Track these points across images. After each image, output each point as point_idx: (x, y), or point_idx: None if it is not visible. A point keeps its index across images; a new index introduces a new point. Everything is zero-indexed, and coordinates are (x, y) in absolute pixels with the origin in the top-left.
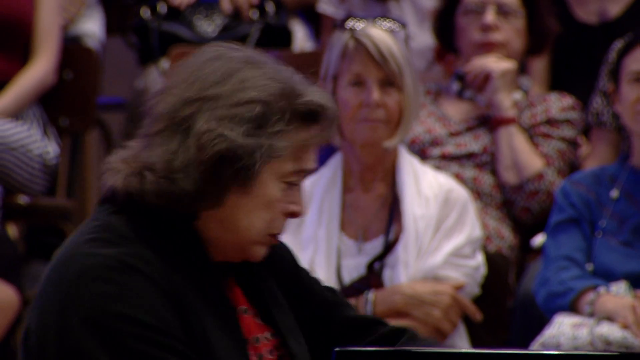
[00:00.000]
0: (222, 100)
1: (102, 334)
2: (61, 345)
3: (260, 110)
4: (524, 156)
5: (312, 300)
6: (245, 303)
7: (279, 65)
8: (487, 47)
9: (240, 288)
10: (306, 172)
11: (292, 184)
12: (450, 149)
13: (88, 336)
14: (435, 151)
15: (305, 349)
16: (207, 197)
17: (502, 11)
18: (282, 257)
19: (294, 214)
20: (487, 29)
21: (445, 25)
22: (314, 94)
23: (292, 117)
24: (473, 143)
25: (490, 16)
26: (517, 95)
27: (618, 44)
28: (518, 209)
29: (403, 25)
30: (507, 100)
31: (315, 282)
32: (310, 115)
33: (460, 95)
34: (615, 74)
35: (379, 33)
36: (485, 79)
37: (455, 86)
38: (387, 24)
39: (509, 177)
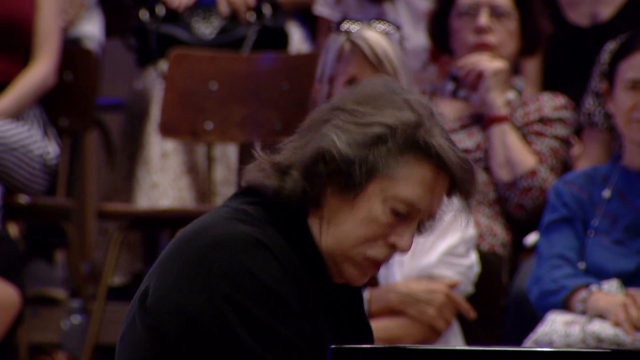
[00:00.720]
0: (354, 116)
1: (236, 301)
2: (199, 306)
3: (380, 132)
4: (517, 153)
5: None
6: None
7: (425, 102)
8: (480, 49)
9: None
10: (417, 209)
11: (398, 213)
12: None
13: (224, 302)
14: None
15: None
16: (307, 195)
17: (496, 13)
18: (361, 299)
19: (394, 246)
20: (480, 31)
21: (439, 27)
22: (438, 136)
23: (410, 146)
24: (467, 140)
25: (483, 18)
26: (511, 95)
27: (610, 45)
28: (512, 205)
29: (398, 27)
30: (499, 99)
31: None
32: (428, 153)
33: (454, 95)
34: (609, 75)
35: (374, 35)
36: (478, 77)
37: (450, 86)
38: (383, 26)
39: (503, 174)
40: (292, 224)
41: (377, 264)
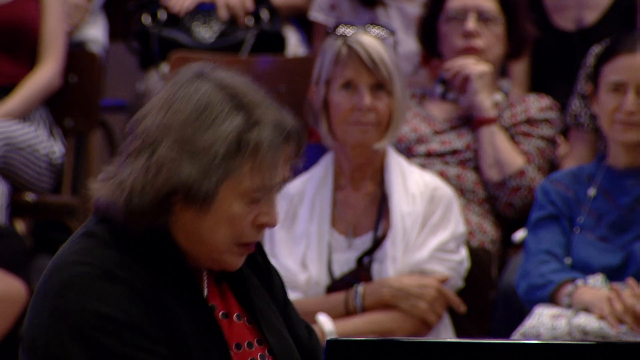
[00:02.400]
0: (188, 132)
1: (86, 339)
2: (49, 352)
3: (221, 149)
4: (506, 154)
5: (290, 333)
6: (238, 309)
7: (247, 87)
8: (468, 52)
9: (233, 294)
10: (271, 187)
11: (256, 200)
12: (435, 146)
13: (74, 343)
14: (421, 148)
15: (294, 350)
16: (163, 217)
17: (483, 18)
18: (275, 283)
19: (264, 225)
20: (468, 35)
21: (428, 31)
22: (268, 130)
23: (246, 145)
24: (457, 141)
25: (471, 23)
26: (498, 97)
27: (595, 49)
28: (502, 204)
29: (392, 32)
30: (487, 101)
31: (297, 319)
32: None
33: (443, 97)
34: (594, 78)
35: (370, 40)
36: (465, 80)
37: (439, 89)
38: (378, 31)
39: (492, 174)
40: (150, 240)
41: (251, 245)
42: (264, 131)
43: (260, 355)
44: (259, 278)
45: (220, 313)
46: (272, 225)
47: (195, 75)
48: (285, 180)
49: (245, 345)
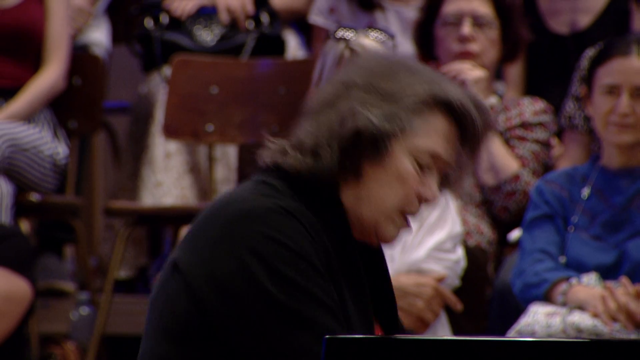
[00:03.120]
0: (372, 91)
1: (265, 261)
2: (229, 272)
3: (412, 98)
4: (501, 159)
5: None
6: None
7: (434, 72)
8: (464, 57)
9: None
10: (440, 160)
11: (421, 164)
12: None
13: (255, 261)
14: None
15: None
16: (346, 170)
17: (478, 23)
18: (383, 261)
19: (424, 198)
20: (463, 39)
21: (425, 35)
22: (459, 94)
23: (432, 102)
24: None
25: (466, 28)
26: (493, 100)
27: (590, 52)
28: (497, 208)
29: (391, 36)
30: None
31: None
32: (449, 108)
33: None
34: (588, 80)
35: (371, 44)
36: (461, 85)
37: None
38: (378, 35)
39: (488, 179)
40: (320, 197)
41: (409, 217)
42: (456, 94)
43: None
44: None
45: None
46: (431, 199)
47: (384, 53)
48: (451, 167)
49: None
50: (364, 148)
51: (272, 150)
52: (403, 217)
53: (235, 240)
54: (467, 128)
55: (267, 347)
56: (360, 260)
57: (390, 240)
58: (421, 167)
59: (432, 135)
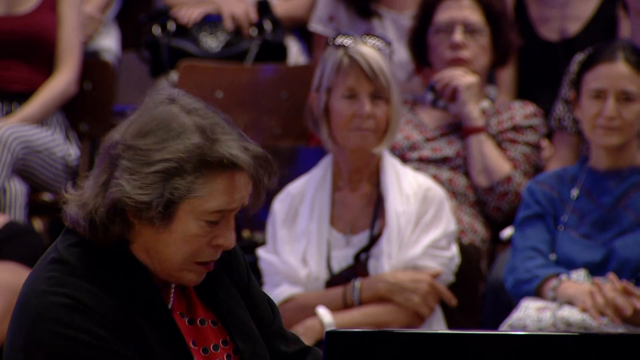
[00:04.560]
0: (139, 155)
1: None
2: None
3: (171, 166)
4: (493, 161)
5: (255, 316)
6: (204, 314)
7: (208, 109)
8: (456, 63)
9: (200, 299)
10: (226, 212)
11: (213, 222)
12: (426, 153)
13: None
14: (414, 155)
15: (262, 348)
16: (117, 235)
17: (469, 30)
18: (237, 266)
19: (220, 247)
20: (455, 47)
21: (419, 42)
22: (226, 146)
23: (203, 165)
24: (447, 148)
25: (458, 35)
26: (485, 104)
27: (578, 57)
28: (490, 208)
29: (388, 43)
30: (475, 111)
31: (261, 299)
32: (222, 165)
33: (434, 104)
34: (576, 85)
35: (369, 51)
36: (454, 91)
37: (429, 96)
38: (376, 42)
39: (481, 180)
40: (115, 260)
41: (209, 264)
42: (224, 149)
43: (227, 355)
44: (222, 268)
45: (187, 320)
46: (228, 247)
47: (165, 99)
48: (244, 205)
49: (212, 348)
50: (133, 216)
51: (70, 205)
52: (202, 266)
53: (34, 350)
54: (254, 174)
55: None
56: (168, 311)
57: (194, 284)
58: (212, 223)
59: (217, 195)
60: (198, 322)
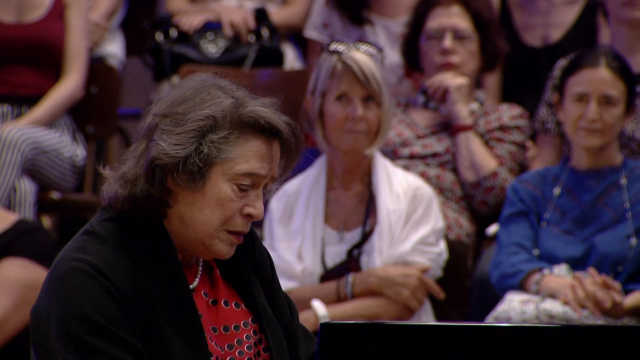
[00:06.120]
0: (174, 118)
1: (66, 333)
2: (47, 336)
3: (206, 124)
4: (480, 157)
5: (274, 314)
6: (228, 296)
7: (239, 87)
8: (446, 68)
9: (228, 282)
10: (257, 177)
11: (244, 187)
12: (417, 149)
13: (59, 333)
14: (405, 151)
15: (282, 337)
16: (156, 200)
17: (458, 36)
18: (262, 264)
19: (249, 215)
20: (445, 52)
21: (410, 48)
22: (261, 110)
23: (237, 126)
24: (437, 144)
25: (448, 42)
26: (474, 106)
27: (561, 62)
28: (477, 202)
29: (380, 49)
30: (464, 111)
31: (282, 300)
32: (258, 127)
33: (425, 106)
34: (559, 88)
35: (362, 57)
36: (444, 93)
37: (421, 99)
38: (368, 48)
39: (468, 175)
40: (145, 231)
41: (240, 234)
42: (259, 111)
43: (246, 335)
44: (249, 261)
45: (210, 300)
46: (257, 217)
47: (197, 78)
48: (274, 180)
49: (232, 327)
50: (170, 176)
51: (108, 183)
52: (234, 236)
53: (53, 309)
54: (284, 142)
55: None
56: (188, 287)
57: (224, 255)
58: (243, 188)
59: (249, 158)
60: (222, 302)
